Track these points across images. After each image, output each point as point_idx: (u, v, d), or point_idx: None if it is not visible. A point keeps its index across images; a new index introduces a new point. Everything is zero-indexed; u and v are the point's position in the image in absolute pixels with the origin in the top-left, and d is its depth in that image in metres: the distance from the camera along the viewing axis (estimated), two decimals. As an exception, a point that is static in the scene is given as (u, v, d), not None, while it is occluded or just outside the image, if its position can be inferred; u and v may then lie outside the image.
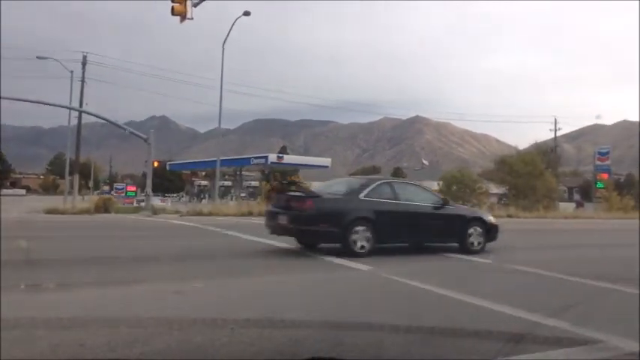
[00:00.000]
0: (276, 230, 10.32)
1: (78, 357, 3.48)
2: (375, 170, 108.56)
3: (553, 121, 53.81)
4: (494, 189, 42.76)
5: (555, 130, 53.92)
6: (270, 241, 11.13)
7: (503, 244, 12.07)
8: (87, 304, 5.28)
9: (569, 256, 11.52)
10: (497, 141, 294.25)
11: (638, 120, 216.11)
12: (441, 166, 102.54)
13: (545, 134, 57.82)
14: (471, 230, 10.97)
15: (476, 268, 9.24)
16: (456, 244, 10.98)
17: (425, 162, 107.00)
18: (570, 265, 9.42)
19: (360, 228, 9.66)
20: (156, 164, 30.49)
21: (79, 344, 3.74)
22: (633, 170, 79.95)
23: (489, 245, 11.38)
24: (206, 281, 6.70)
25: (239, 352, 3.71)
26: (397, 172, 58.63)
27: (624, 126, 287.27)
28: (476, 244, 10.95)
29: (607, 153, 55.04)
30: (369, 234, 9.69)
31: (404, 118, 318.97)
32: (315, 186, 15.63)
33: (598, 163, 54.35)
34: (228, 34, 28.73)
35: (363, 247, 9.61)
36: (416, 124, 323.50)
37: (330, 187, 11.59)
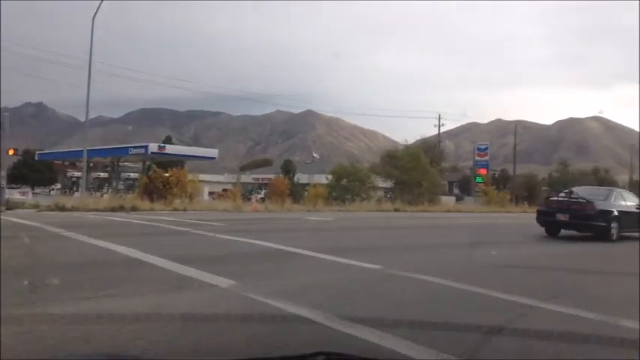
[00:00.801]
0: (554, 224, 14.79)
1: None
2: (266, 162, 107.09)
3: (437, 117, 55.53)
4: (381, 183, 43.08)
5: (439, 126, 55.81)
6: (123, 248, 9.16)
7: (395, 242, 11.13)
8: None
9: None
10: (385, 137, 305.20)
11: (511, 119, 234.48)
12: (332, 159, 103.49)
13: (430, 130, 60.09)
14: None
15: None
16: None
17: (316, 155, 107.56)
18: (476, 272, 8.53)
19: (614, 224, 14.27)
20: (11, 152, 26.61)
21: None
22: (507, 166, 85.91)
23: (379, 243, 10.46)
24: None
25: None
26: (287, 165, 57.54)
27: (498, 125, 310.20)
28: None
29: (486, 149, 58.02)
30: (617, 226, 14.30)
31: (296, 111, 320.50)
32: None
33: (477, 158, 57.11)
34: (98, 8, 25.76)
35: (613, 234, 14.14)
36: (308, 117, 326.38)
37: (584, 194, 15.30)
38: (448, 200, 51.44)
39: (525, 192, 54.20)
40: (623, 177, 73.97)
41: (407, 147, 47.49)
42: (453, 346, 3.60)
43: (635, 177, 71.29)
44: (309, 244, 9.57)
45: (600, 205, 14.35)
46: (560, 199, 15.15)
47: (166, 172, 29.71)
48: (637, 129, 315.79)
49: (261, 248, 9.33)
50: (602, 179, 55.67)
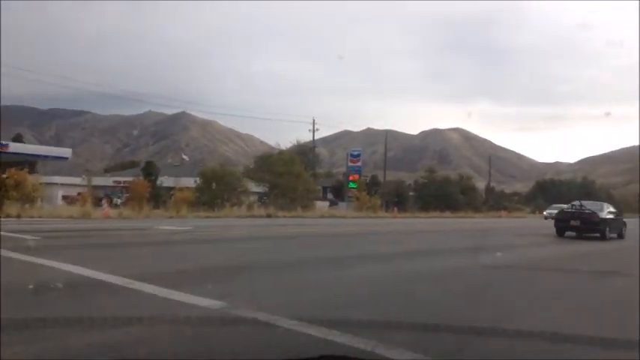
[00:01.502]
0: (565, 229, 20.14)
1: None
2: (133, 164, 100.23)
3: (312, 122, 54.88)
4: (255, 188, 41.22)
5: (314, 131, 55.20)
6: None
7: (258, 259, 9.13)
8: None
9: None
10: (261, 142, 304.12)
11: (381, 128, 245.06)
12: (206, 163, 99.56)
13: (305, 136, 59.69)
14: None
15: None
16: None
17: (185, 157, 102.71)
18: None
19: (608, 228, 19.80)
20: None
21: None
22: (376, 172, 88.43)
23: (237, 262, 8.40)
24: None
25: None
26: (149, 167, 53.45)
27: (368, 133, 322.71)
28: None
29: (358, 155, 58.68)
30: (609, 229, 19.81)
31: (170, 112, 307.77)
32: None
33: (350, 164, 57.59)
34: None
35: (607, 235, 19.37)
36: (182, 119, 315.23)
37: (579, 208, 20.35)
38: (322, 205, 51.04)
39: (395, 197, 55.40)
40: (480, 184, 79.35)
41: (281, 151, 46.19)
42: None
43: (491, 184, 76.81)
44: (135, 269, 7.34)
45: (601, 215, 19.89)
46: (571, 210, 20.73)
47: (4, 173, 26.29)
48: (493, 140, 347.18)
49: (60, 276, 6.55)
50: (465, 186, 58.94)
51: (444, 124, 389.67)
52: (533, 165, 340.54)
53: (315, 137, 57.42)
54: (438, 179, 59.60)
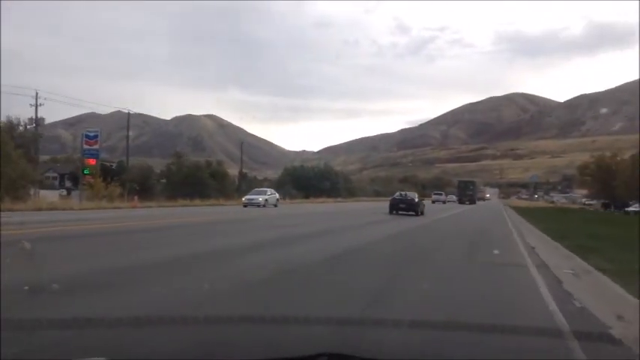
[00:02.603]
0: (396, 209, 30.16)
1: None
2: None
3: (35, 95, 45.48)
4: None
5: (37, 106, 45.88)
6: None
7: None
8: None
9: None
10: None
11: (132, 112, 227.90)
12: None
13: (25, 111, 48.63)
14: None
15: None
16: None
17: None
18: None
19: (419, 208, 30.70)
20: None
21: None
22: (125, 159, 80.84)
23: None
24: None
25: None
26: None
27: (119, 116, 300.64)
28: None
29: (95, 137, 51.06)
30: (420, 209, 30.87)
31: None
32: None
33: (86, 147, 49.74)
34: None
35: (421, 212, 30.38)
36: None
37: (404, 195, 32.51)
38: (51, 195, 42.74)
39: (137, 185, 49.67)
40: (234, 171, 78.12)
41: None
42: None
43: (244, 170, 76.10)
44: None
45: (416, 199, 31.34)
46: (399, 197, 31.78)
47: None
48: (245, 128, 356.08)
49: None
50: (216, 172, 56.29)
51: (197, 111, 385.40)
52: (283, 153, 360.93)
53: (57, 119, 48.23)
54: (187, 165, 55.69)
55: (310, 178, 75.30)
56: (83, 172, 47.13)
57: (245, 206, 36.56)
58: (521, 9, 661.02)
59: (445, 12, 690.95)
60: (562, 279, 7.71)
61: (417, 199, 31.27)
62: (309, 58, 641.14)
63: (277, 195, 43.12)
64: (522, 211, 43.07)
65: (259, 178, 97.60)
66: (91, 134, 51.25)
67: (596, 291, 6.90)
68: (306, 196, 61.37)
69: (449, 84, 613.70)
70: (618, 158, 67.01)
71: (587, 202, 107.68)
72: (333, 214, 31.04)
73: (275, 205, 39.49)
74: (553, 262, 9.58)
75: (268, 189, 45.41)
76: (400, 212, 29.78)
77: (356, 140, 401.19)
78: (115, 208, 32.91)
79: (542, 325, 4.86)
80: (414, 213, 29.34)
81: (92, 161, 48.54)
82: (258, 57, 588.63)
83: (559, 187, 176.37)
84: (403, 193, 34.08)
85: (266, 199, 38.83)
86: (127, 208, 34.23)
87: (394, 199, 31.86)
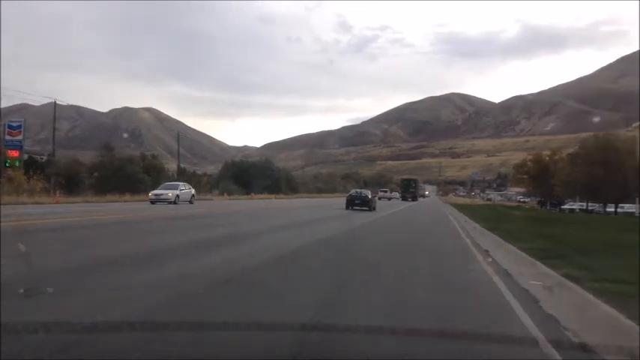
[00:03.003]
0: (352, 205, 32.31)
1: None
2: None
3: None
4: None
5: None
6: None
7: None
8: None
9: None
10: None
11: (67, 103, 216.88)
12: None
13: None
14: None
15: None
16: None
17: None
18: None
19: (373, 204, 34.06)
20: None
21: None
22: (61, 152, 76.12)
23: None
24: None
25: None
26: None
27: (53, 108, 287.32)
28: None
29: (19, 127, 47.48)
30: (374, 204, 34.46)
31: None
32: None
33: (8, 137, 46.12)
34: None
35: (374, 208, 33.04)
36: None
37: (359, 193, 35.76)
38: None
39: (63, 179, 46.26)
40: (172, 166, 75.06)
41: None
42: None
43: (182, 165, 73.31)
44: None
45: (370, 196, 34.06)
46: (355, 194, 34.66)
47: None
48: (185, 122, 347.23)
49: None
50: (151, 166, 53.43)
51: (136, 104, 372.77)
52: (224, 148, 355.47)
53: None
54: (118, 158, 52.51)
55: (251, 173, 73.41)
56: (5, 164, 43.57)
57: (153, 203, 32.17)
58: (460, 11, 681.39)
59: (386, 11, 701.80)
60: (537, 296, 6.50)
61: (370, 196, 34.08)
62: (252, 54, 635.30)
63: (193, 190, 37.99)
64: (463, 209, 43.14)
65: (199, 172, 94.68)
66: (14, 124, 47.58)
67: (581, 313, 5.75)
68: (247, 193, 59.49)
69: (390, 83, 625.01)
70: (556, 157, 68.51)
71: (522, 200, 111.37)
72: (266, 212, 28.54)
73: (190, 202, 34.89)
74: (516, 270, 8.58)
75: (182, 183, 39.31)
76: (355, 208, 32.16)
77: (298, 137, 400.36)
78: (35, 203, 30.21)
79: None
80: (367, 208, 31.94)
81: (15, 153, 45.06)
82: (200, 51, 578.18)
83: (494, 185, 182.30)
84: (358, 190, 38.65)
85: (177, 195, 33.60)
86: (49, 203, 31.49)
87: (351, 195, 34.67)
